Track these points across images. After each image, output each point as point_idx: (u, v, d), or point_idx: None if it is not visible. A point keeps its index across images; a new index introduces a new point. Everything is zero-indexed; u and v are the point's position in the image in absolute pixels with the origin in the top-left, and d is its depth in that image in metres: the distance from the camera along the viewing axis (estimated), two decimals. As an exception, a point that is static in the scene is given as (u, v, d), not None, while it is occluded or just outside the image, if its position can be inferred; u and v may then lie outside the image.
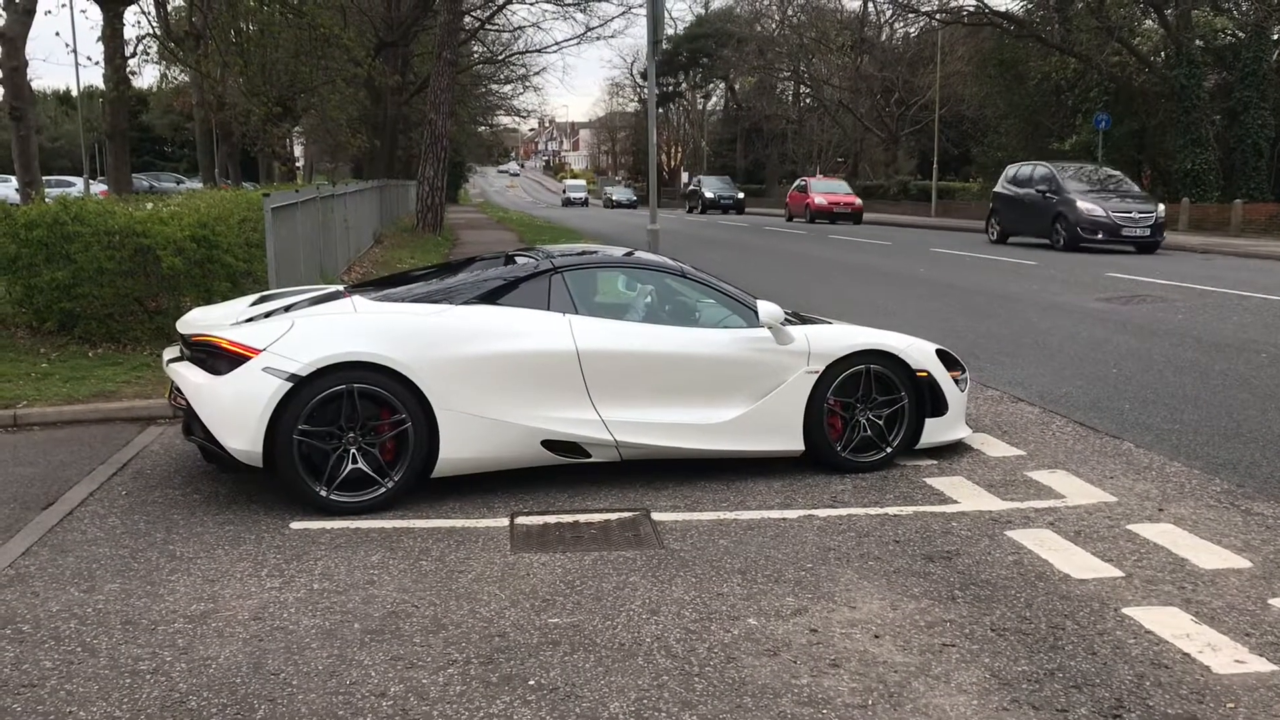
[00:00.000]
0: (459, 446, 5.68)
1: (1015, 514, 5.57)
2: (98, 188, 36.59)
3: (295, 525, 5.40)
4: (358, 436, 5.53)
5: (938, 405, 6.53)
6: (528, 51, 49.20)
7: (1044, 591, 4.55)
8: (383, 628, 4.18)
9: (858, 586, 4.62)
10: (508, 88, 58.74)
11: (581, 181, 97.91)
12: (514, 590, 4.55)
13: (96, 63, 25.79)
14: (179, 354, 6.07)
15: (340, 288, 6.92)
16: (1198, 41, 35.03)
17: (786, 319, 6.38)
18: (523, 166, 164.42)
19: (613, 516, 5.56)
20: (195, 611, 4.33)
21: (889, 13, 58.54)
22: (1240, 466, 6.40)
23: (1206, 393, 8.42)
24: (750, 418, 6.16)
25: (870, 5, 60.71)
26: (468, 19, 37.77)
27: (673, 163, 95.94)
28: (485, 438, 5.72)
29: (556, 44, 79.94)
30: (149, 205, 11.19)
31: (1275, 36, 37.08)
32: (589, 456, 5.96)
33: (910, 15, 50.90)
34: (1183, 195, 32.76)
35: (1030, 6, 41.75)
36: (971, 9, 41.83)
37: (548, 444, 5.85)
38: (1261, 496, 5.83)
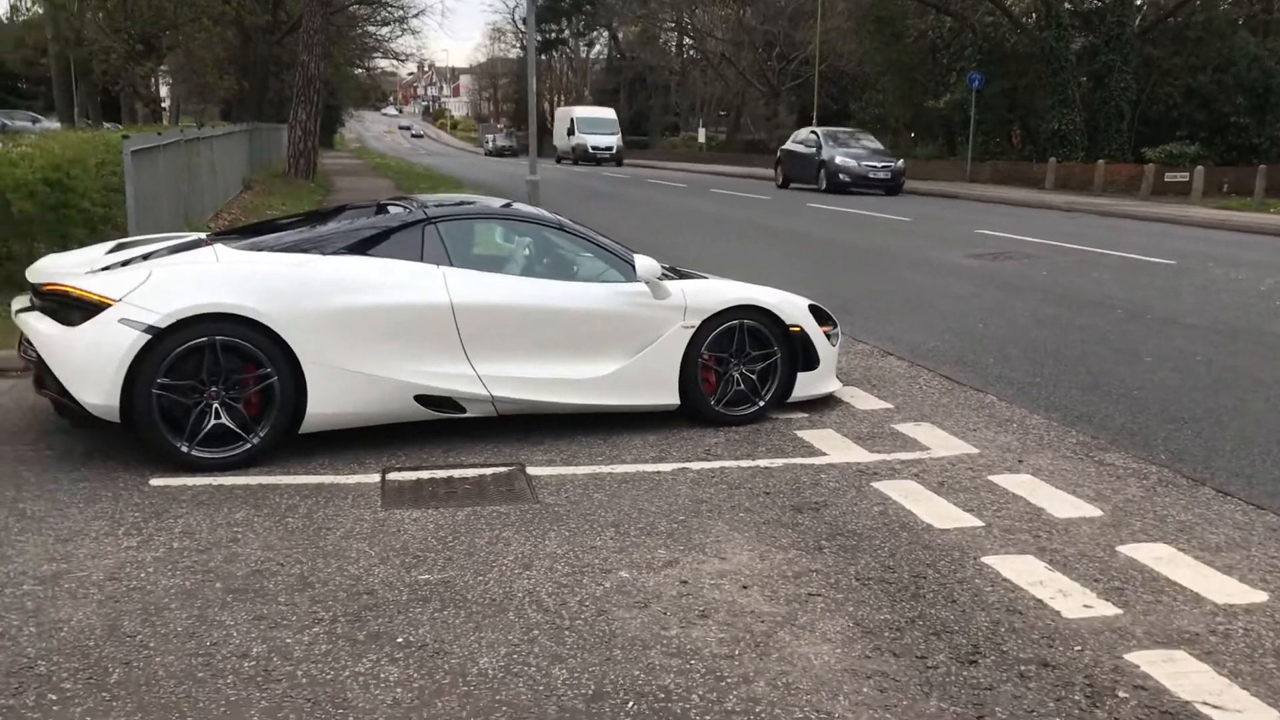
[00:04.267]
0: (328, 401, 5.54)
1: (882, 465, 5.71)
2: (-57, 125, 34.50)
3: (155, 482, 5.21)
4: (220, 391, 5.34)
5: (809, 360, 6.62)
6: (406, -8, 47.88)
7: (907, 541, 4.68)
8: (246, 587, 4.08)
9: (728, 538, 4.68)
10: (385, 30, 57.05)
11: (610, 114, 57.19)
12: (384, 547, 4.48)
13: (-61, -9, 24.18)
14: (29, 304, 5.78)
15: (203, 236, 6.66)
16: (1066, 4, 36.08)
17: (664, 274, 6.38)
18: (400, 111, 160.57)
19: (487, 471, 5.52)
20: (46, 573, 4.15)
21: (772, -34, 58.74)
22: (1095, 419, 6.67)
23: (1066, 347, 8.75)
24: (627, 372, 6.16)
25: (754, -42, 60.80)
26: (343, -43, 36.53)
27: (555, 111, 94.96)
28: (355, 392, 5.59)
29: (436, -14, 78.00)
30: (-2, 145, 10.61)
31: (1138, 2, 38.44)
32: (464, 412, 5.88)
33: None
34: (1050, 154, 33.86)
35: (908, -36, 42.31)
36: (852, -35, 42.24)
37: (421, 399, 5.75)
38: (1114, 448, 6.09)
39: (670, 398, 6.30)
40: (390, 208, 6.47)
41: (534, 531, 4.70)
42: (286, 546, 4.47)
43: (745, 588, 4.18)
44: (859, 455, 5.88)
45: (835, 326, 6.92)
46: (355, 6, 47.27)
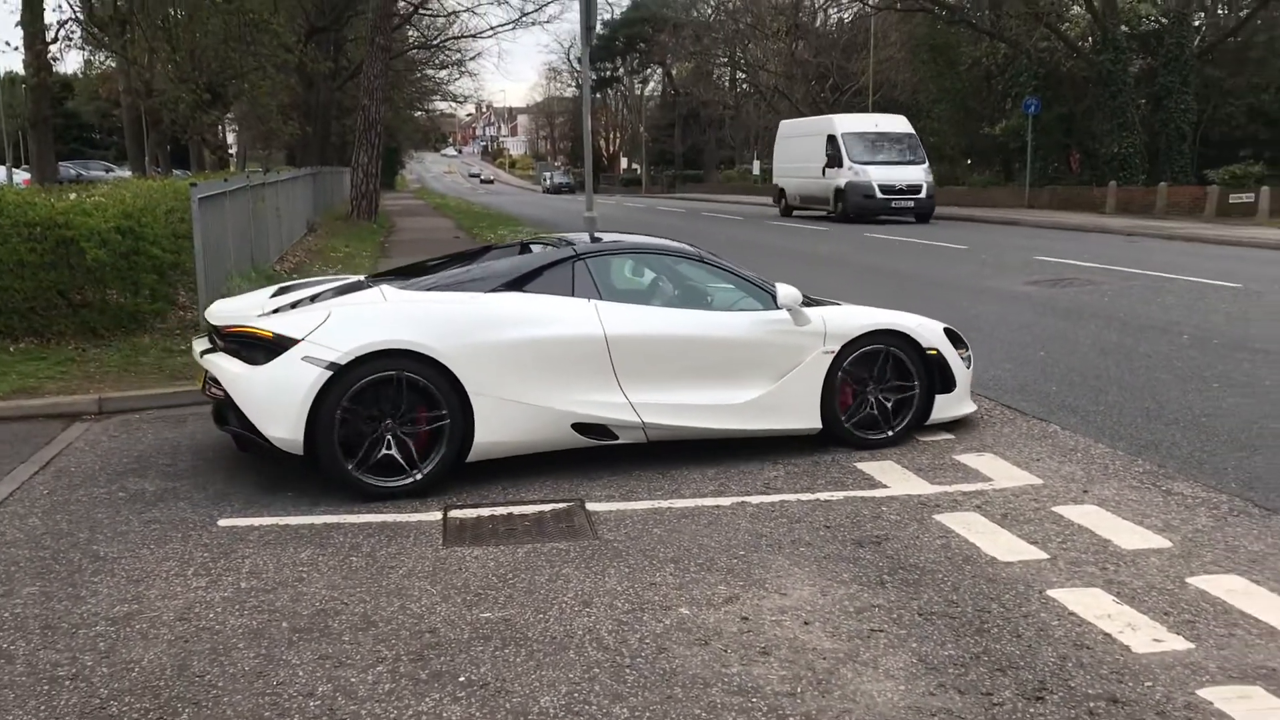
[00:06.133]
0: (493, 431, 5.78)
1: (944, 498, 5.65)
2: (20, 176, 35.63)
3: (223, 523, 5.31)
4: (395, 423, 5.60)
5: (946, 382, 6.77)
6: (462, 36, 48.71)
7: (971, 575, 4.62)
8: (311, 626, 4.14)
9: (789, 573, 4.65)
10: (443, 73, 58.09)
11: (904, 124, 32.80)
12: (445, 585, 4.52)
13: (16, 48, 25.11)
14: (211, 345, 6.12)
15: (362, 277, 6.96)
16: (1123, 27, 35.70)
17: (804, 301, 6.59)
18: (459, 152, 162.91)
19: (547, 508, 5.55)
20: (118, 613, 4.25)
21: (823, -2, 58.90)
22: (1162, 447, 6.54)
23: (1130, 374, 8.60)
24: (770, 397, 6.34)
25: (805, -10, 61.03)
26: (401, 4, 37.30)
27: (611, 148, 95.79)
28: (518, 422, 5.84)
29: (491, 29, 78.88)
30: (72, 195, 10.93)
31: (1196, 23, 37.92)
32: (616, 439, 6.10)
33: (844, 1, 51.25)
34: (1110, 178, 33.41)
35: (961, -8, 42.22)
36: (904, -6, 42.20)
37: (577, 427, 5.98)
38: (1182, 476, 5.96)
39: (812, 422, 6.44)
40: (533, 247, 6.82)
41: (594, 568, 4.71)
42: (350, 585, 4.53)
43: (807, 624, 4.15)
44: (920, 487, 5.83)
45: (967, 349, 7.05)
46: (414, 51, 48.20)
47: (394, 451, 5.61)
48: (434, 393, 5.63)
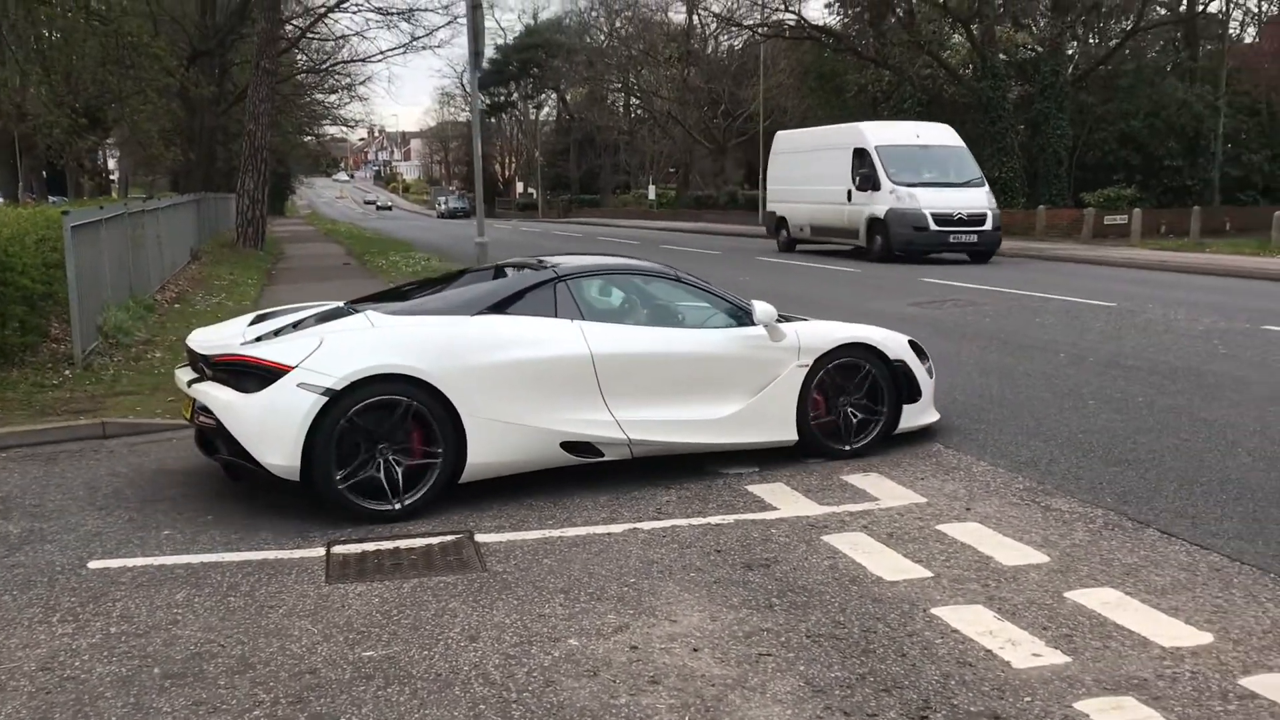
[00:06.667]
0: (486, 451, 5.83)
1: (831, 518, 5.71)
2: (-117, 204, 33.96)
3: (94, 565, 5.10)
4: (389, 447, 5.61)
5: (913, 392, 7.04)
6: (352, 61, 47.96)
7: (857, 595, 4.66)
8: (185, 671, 3.98)
9: (679, 599, 4.64)
10: (333, 97, 57.11)
11: (952, 135, 25.05)
12: (327, 624, 4.40)
13: (-124, 70, 23.95)
14: (198, 374, 6.05)
15: (341, 304, 6.85)
16: (1001, 55, 36.98)
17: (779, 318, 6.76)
18: (352, 177, 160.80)
19: (435, 541, 5.44)
20: (-25, 666, 4.03)
21: (714, 26, 59.82)
22: (1041, 464, 6.72)
23: (1011, 392, 8.83)
24: (749, 411, 6.51)
25: (696, 18, 61.93)
26: (288, 27, 36.70)
27: (507, 172, 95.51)
28: (510, 442, 5.91)
29: (381, 53, 78.09)
30: (-66, 224, 10.45)
31: (1070, 52, 39.49)
32: (602, 456, 6.20)
33: (734, 29, 52.15)
34: (992, 202, 34.45)
35: (847, 21, 43.35)
36: (792, 24, 43.16)
37: (566, 445, 6.05)
38: (1060, 492, 6.13)
39: (788, 434, 6.63)
40: (508, 270, 6.92)
41: (481, 601, 4.63)
42: (227, 627, 4.37)
43: (696, 650, 4.13)
44: (808, 508, 5.88)
45: (929, 360, 7.33)
46: (302, 75, 47.41)
47: (390, 475, 5.63)
48: (427, 415, 5.68)
